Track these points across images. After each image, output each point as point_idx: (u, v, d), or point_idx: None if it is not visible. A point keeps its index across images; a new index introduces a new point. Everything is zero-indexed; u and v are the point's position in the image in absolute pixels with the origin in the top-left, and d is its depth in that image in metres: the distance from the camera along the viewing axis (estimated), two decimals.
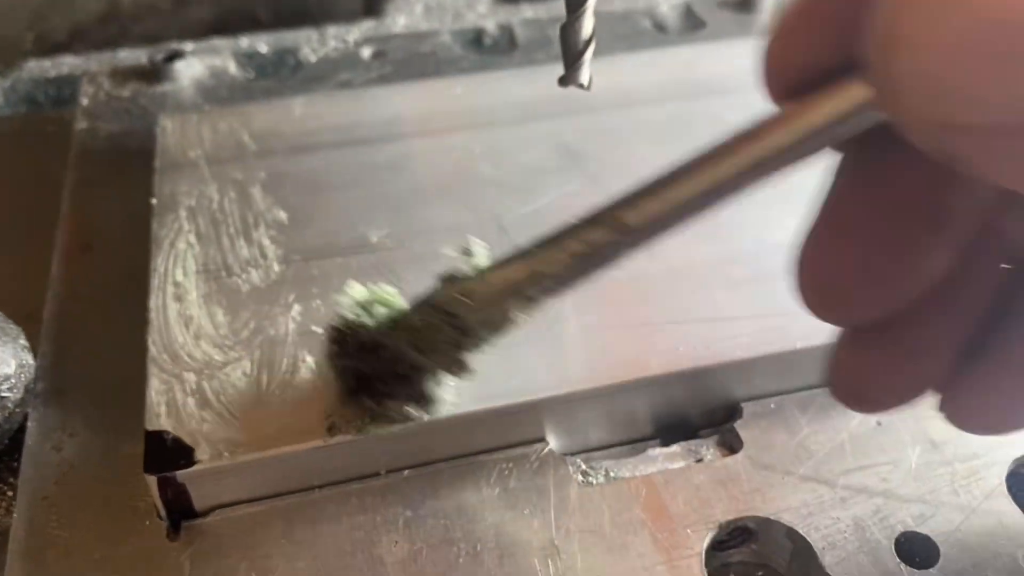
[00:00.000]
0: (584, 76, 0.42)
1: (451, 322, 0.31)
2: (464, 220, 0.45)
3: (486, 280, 0.31)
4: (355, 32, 0.69)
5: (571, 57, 0.42)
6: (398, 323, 0.33)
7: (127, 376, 0.40)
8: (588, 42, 0.41)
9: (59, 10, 0.89)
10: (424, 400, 0.34)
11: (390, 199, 0.46)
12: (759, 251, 0.43)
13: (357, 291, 0.35)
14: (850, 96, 0.22)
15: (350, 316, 0.34)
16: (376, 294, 0.35)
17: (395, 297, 0.35)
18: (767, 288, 0.41)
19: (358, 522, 0.36)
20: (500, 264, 0.31)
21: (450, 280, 0.32)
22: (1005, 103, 0.17)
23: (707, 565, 0.36)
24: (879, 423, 0.39)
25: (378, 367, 0.34)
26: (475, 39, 0.69)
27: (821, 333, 0.39)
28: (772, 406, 0.40)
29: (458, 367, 0.32)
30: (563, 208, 0.45)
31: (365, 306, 0.34)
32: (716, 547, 0.37)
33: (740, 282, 0.41)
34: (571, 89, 0.44)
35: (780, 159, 0.25)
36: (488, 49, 0.67)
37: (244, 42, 0.68)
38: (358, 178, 0.47)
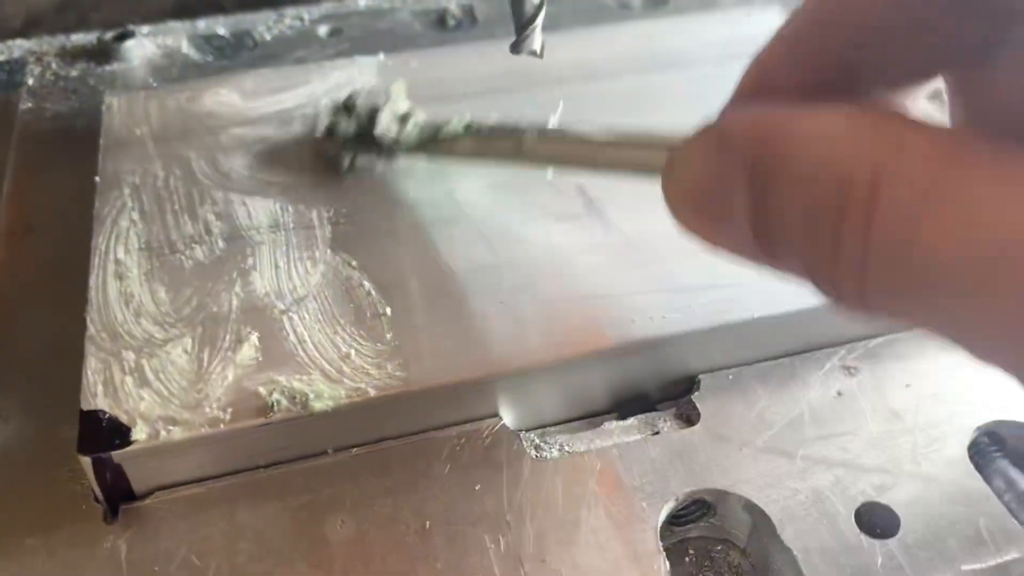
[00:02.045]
0: (536, 43, 0.41)
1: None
2: (420, 195, 0.44)
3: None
4: (316, 12, 0.67)
5: (522, 24, 0.41)
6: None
7: (66, 358, 0.38)
8: (538, 8, 0.40)
9: None
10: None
11: (335, 175, 0.45)
12: None
13: (397, 88, 0.45)
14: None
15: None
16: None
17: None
18: (723, 259, 0.40)
19: (303, 502, 0.34)
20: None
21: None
22: None
23: (664, 540, 0.35)
24: (839, 393, 0.38)
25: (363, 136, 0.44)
26: (439, 19, 0.68)
27: (778, 303, 0.39)
28: (730, 378, 0.39)
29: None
30: (519, 181, 0.44)
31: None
32: (673, 521, 0.36)
33: (695, 252, 0.40)
34: (530, 63, 0.43)
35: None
36: (451, 28, 0.65)
37: (202, 24, 0.67)
38: (305, 153, 0.46)
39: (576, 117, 0.49)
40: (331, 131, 0.44)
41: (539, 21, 0.40)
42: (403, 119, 0.43)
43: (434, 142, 0.42)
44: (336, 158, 0.44)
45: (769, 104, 0.24)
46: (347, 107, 0.45)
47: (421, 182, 0.44)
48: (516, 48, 0.41)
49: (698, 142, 0.23)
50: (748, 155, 0.21)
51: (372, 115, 0.43)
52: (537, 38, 0.41)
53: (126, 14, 0.93)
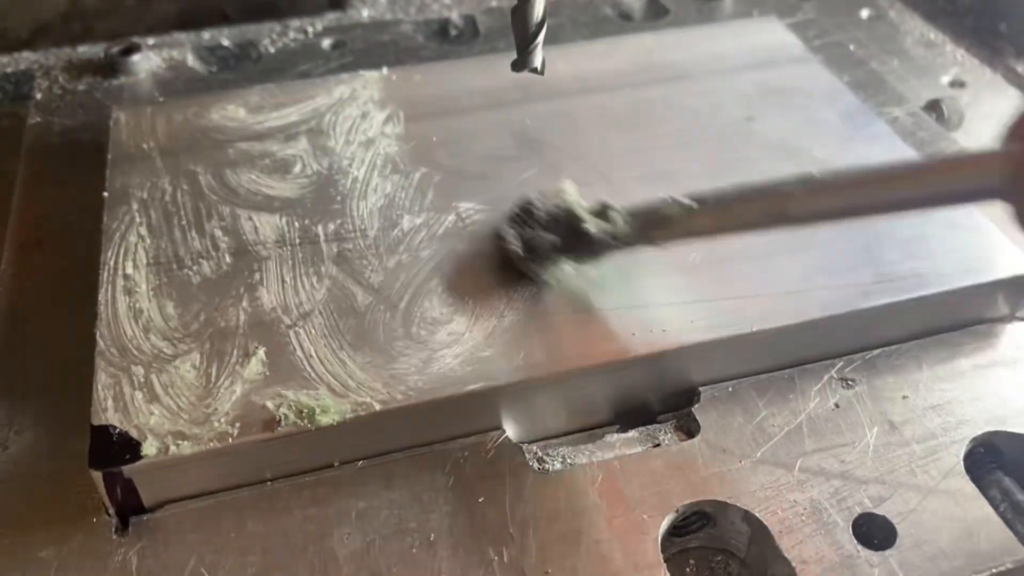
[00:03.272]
0: (537, 60, 0.42)
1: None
2: (423, 215, 0.44)
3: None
4: (319, 24, 0.68)
5: (523, 41, 0.41)
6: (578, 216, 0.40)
7: (77, 371, 0.39)
8: (540, 26, 0.41)
9: (21, 7, 0.88)
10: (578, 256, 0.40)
11: (341, 191, 0.45)
12: None
13: (570, 187, 0.42)
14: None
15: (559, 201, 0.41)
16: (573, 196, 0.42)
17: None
18: (722, 272, 0.41)
19: (310, 514, 0.35)
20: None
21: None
22: None
23: (665, 551, 0.36)
24: (837, 405, 0.39)
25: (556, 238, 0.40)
26: (440, 29, 0.69)
27: (776, 316, 0.40)
28: (730, 389, 0.39)
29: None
30: (520, 194, 0.45)
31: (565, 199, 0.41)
32: (674, 532, 0.37)
33: (694, 267, 0.41)
34: (530, 76, 0.43)
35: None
36: (452, 39, 0.66)
37: (207, 36, 0.68)
38: (311, 167, 0.47)
39: (575, 131, 0.49)
40: (531, 247, 0.40)
41: (540, 39, 0.41)
42: (602, 213, 0.40)
43: (658, 227, 0.38)
44: (543, 270, 0.40)
45: None
46: (527, 217, 0.42)
47: (426, 197, 0.45)
48: (518, 66, 0.42)
49: None
50: None
51: (568, 218, 0.40)
52: (538, 56, 0.41)
53: (131, 24, 0.94)
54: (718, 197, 0.37)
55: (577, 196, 0.41)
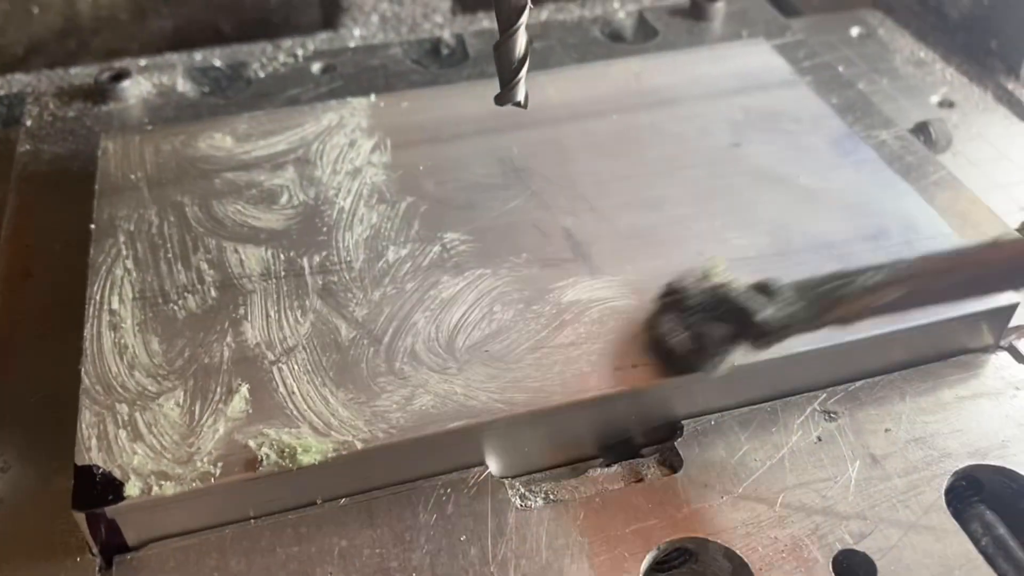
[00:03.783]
0: (520, 94, 0.42)
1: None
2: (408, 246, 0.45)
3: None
4: (310, 45, 0.68)
5: (506, 76, 0.41)
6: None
7: (64, 407, 0.39)
8: (522, 61, 0.41)
9: (16, 24, 0.88)
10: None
11: (328, 222, 0.46)
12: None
13: (719, 262, 0.40)
14: None
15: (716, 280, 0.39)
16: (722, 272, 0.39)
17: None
18: None
19: (293, 553, 0.35)
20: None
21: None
22: None
23: None
24: (819, 438, 0.39)
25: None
26: (432, 49, 0.69)
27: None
28: (712, 423, 0.40)
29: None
30: (505, 224, 0.45)
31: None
32: (656, 568, 0.37)
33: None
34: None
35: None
36: (441, 61, 0.66)
37: (199, 56, 0.68)
38: (297, 198, 0.47)
39: (562, 159, 0.50)
40: (700, 340, 0.38)
41: (523, 74, 0.41)
42: (766, 291, 0.37)
43: (839, 303, 0.36)
44: (714, 363, 0.38)
45: None
46: (687, 305, 0.38)
47: (412, 227, 0.45)
48: (501, 100, 0.42)
49: None
50: None
51: (731, 304, 0.37)
52: (521, 89, 0.42)
53: (126, 40, 0.94)
54: (891, 268, 0.36)
55: (724, 273, 0.39)
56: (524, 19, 0.39)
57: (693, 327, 0.38)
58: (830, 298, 0.36)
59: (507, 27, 0.39)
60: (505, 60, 0.41)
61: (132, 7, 0.94)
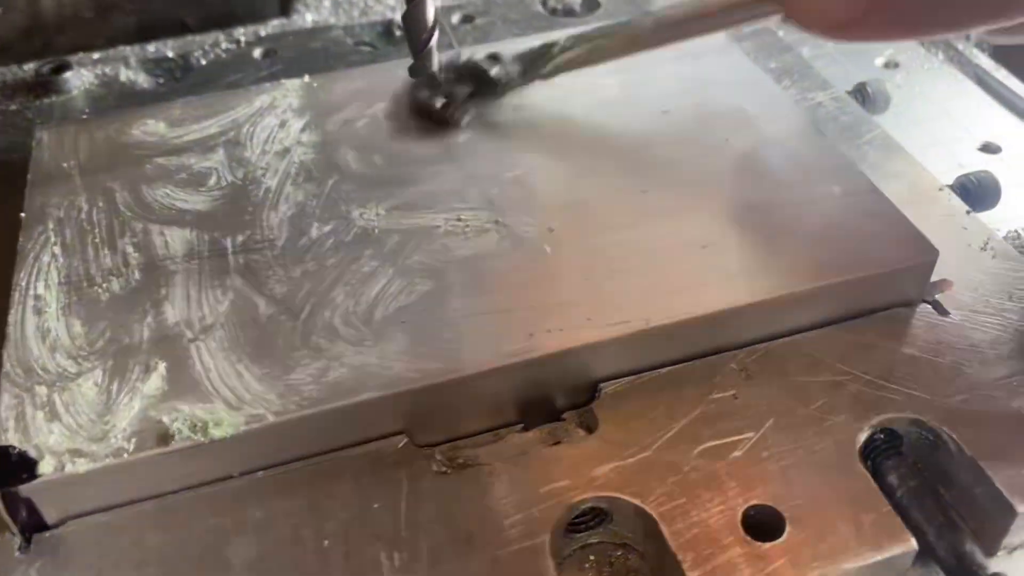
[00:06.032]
0: (434, 64, 0.42)
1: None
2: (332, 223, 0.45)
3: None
4: (262, 32, 0.68)
5: (417, 45, 0.42)
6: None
7: None
8: (432, 29, 0.41)
9: None
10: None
11: (254, 202, 0.46)
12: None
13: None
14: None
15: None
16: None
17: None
18: (620, 267, 0.41)
19: (209, 525, 0.36)
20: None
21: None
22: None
23: (563, 548, 0.36)
24: (735, 396, 0.39)
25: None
26: (385, 31, 0.70)
27: (674, 310, 0.40)
28: (629, 384, 0.40)
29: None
30: (430, 196, 0.45)
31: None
32: (572, 529, 0.37)
33: (592, 264, 0.41)
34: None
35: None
36: (395, 43, 0.67)
37: (151, 48, 0.68)
38: (225, 179, 0.47)
39: (496, 130, 0.50)
40: (450, 97, 0.48)
41: (434, 42, 0.41)
42: (495, 58, 0.48)
43: (543, 66, 0.48)
44: (461, 116, 0.49)
45: None
46: (436, 79, 0.49)
47: (336, 204, 0.46)
48: (414, 70, 0.42)
49: None
50: None
51: (474, 69, 0.48)
52: (435, 59, 0.42)
53: (90, 37, 0.94)
54: (597, 31, 0.48)
55: (478, 49, 0.49)
56: None
57: (443, 89, 0.48)
58: (534, 57, 0.48)
59: None
60: (415, 29, 0.41)
61: (95, 5, 0.94)
